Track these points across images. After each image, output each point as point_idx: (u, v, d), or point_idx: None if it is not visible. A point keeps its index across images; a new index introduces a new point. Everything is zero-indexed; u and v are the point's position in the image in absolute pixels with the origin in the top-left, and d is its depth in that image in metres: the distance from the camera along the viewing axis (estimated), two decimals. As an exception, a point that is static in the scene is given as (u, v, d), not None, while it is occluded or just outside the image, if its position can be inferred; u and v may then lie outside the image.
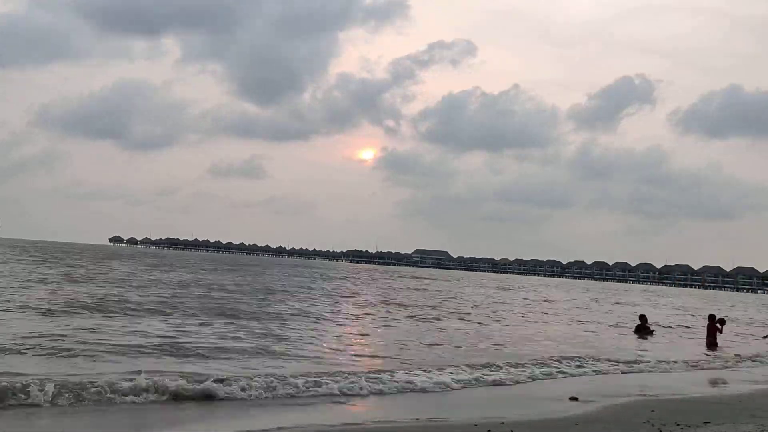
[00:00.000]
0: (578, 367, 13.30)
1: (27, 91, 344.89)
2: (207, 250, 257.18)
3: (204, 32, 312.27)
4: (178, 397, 8.16)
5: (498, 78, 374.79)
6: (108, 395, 7.80)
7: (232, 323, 16.19)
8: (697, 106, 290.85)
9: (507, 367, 12.18)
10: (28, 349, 10.60)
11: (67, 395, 7.55)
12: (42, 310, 15.59)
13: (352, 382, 9.67)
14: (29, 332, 12.12)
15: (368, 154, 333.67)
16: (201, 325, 15.50)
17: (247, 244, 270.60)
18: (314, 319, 19.11)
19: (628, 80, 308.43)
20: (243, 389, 8.63)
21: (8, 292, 19.73)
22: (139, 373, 8.72)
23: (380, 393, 9.52)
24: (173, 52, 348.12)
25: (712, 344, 19.74)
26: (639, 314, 23.59)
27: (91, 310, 16.49)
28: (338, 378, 9.86)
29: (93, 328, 13.39)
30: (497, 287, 62.53)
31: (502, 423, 7.71)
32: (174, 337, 12.99)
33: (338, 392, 9.23)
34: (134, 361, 10.32)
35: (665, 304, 51.64)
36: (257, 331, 15.16)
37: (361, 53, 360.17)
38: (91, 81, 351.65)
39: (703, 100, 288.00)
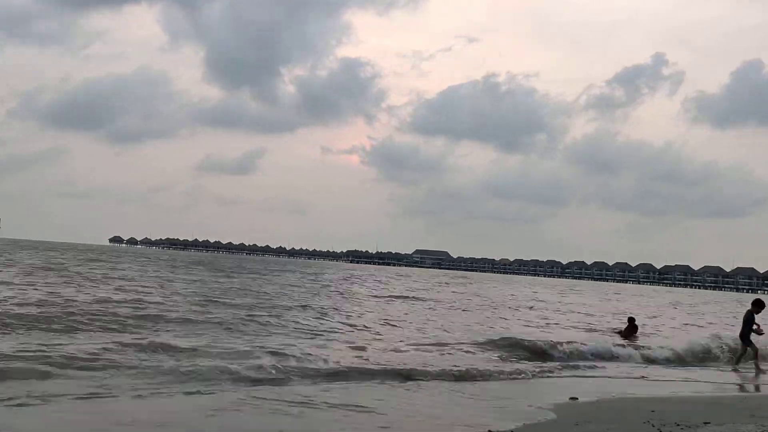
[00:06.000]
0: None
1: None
2: (207, 251, 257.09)
3: (182, 7, 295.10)
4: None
5: (498, 73, 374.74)
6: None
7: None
8: (710, 95, 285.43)
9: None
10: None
11: None
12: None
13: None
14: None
15: (371, 150, 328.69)
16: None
17: (247, 244, 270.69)
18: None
19: (632, 73, 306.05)
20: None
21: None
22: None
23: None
24: (147, 28, 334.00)
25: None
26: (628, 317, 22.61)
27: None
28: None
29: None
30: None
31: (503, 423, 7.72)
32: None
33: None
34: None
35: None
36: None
37: (360, 44, 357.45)
38: (60, 66, 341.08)
39: (721, 88, 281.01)
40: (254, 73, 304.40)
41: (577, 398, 9.71)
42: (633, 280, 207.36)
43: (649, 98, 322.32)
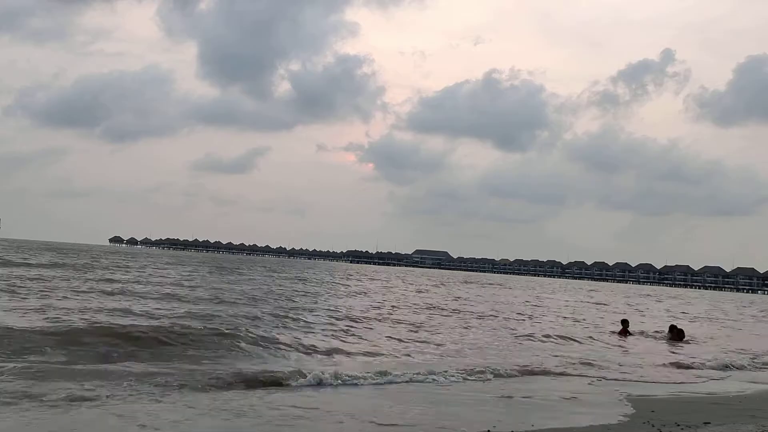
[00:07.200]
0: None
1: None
2: (207, 251, 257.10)
3: (177, 2, 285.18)
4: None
5: (498, 70, 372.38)
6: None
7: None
8: (714, 92, 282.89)
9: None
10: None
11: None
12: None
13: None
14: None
15: (370, 148, 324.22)
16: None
17: (247, 244, 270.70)
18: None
19: (635, 71, 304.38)
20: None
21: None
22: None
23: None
24: (143, 24, 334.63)
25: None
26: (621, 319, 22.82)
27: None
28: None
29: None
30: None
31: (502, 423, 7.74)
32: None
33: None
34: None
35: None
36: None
37: (362, 41, 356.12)
38: (57, 63, 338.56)
39: (725, 85, 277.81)
40: (253, 71, 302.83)
41: (577, 399, 9.73)
42: (633, 280, 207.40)
43: (653, 96, 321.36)
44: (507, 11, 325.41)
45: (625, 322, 21.96)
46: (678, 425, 7.53)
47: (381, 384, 10.01)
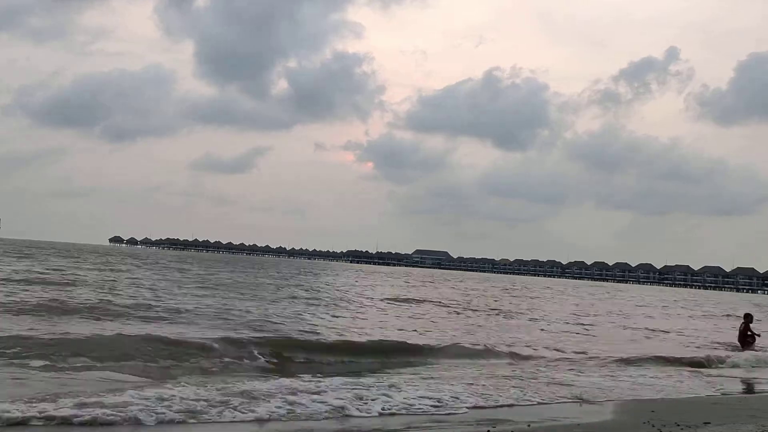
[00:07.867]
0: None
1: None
2: (207, 251, 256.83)
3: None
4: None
5: (500, 68, 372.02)
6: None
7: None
8: (715, 91, 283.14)
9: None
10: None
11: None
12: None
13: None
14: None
15: (370, 147, 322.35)
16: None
17: (247, 244, 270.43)
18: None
19: (636, 68, 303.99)
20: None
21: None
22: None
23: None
24: (142, 23, 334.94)
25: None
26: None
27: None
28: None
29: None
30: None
31: (507, 421, 7.76)
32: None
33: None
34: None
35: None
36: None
37: (363, 40, 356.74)
38: (56, 62, 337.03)
39: (726, 84, 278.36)
40: (251, 70, 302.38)
41: (580, 399, 9.74)
42: (633, 280, 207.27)
43: (655, 94, 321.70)
44: (508, 10, 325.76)
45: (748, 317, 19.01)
46: (678, 425, 7.54)
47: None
